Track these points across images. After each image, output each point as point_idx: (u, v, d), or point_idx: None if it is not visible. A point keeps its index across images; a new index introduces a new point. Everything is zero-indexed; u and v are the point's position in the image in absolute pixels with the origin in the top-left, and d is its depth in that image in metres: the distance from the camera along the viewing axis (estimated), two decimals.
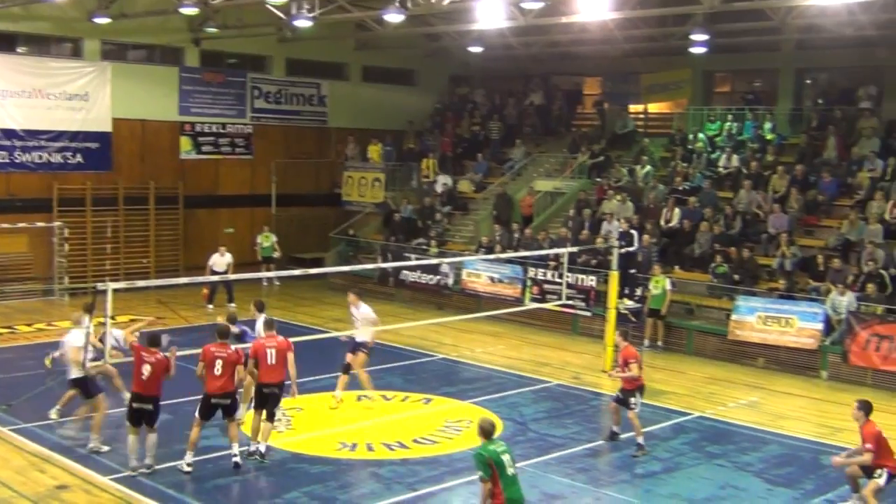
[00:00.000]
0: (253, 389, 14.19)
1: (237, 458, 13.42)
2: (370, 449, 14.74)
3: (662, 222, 25.24)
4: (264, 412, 13.86)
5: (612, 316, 19.98)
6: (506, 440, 11.65)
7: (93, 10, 26.36)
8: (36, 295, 26.85)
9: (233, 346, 13.75)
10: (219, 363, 13.23)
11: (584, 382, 19.39)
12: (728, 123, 28.47)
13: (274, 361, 13.73)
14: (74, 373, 14.24)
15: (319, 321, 24.06)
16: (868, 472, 12.23)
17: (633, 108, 32.88)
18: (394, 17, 23.19)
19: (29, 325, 23.41)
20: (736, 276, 22.44)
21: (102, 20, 26.42)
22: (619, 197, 26.27)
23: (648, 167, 28.08)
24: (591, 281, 23.73)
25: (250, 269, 27.05)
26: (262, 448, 13.93)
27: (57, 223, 27.23)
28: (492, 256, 24.78)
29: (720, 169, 27.14)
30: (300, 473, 13.66)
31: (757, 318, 21.25)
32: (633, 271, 22.74)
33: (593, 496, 13.12)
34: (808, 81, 29.94)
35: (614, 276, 20.14)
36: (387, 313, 23.15)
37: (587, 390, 18.84)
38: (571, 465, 14.25)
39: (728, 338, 21.72)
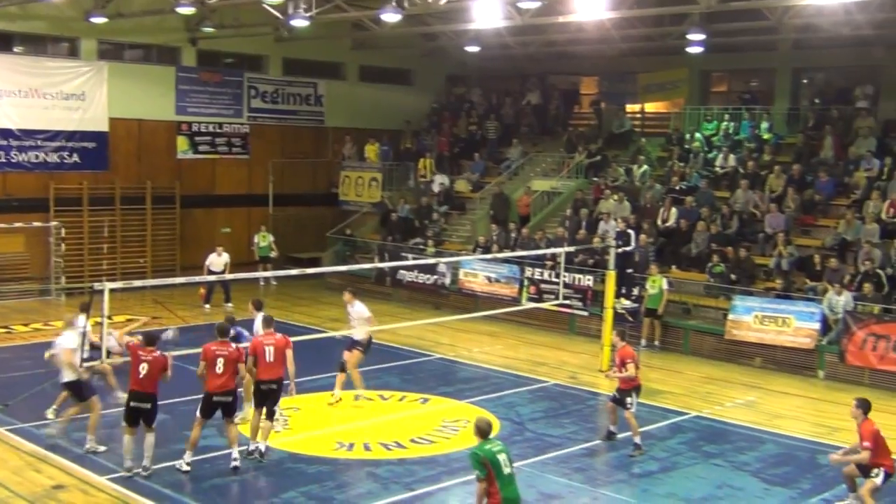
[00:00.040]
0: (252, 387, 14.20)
1: (237, 463, 13.39)
2: (367, 449, 14.73)
3: (659, 222, 25.25)
4: (264, 410, 13.86)
5: (608, 316, 19.99)
6: (503, 440, 11.65)
7: (89, 9, 26.33)
8: (32, 295, 26.82)
9: (233, 345, 13.77)
10: (220, 361, 13.22)
11: (581, 382, 19.39)
12: (725, 123, 28.51)
13: (272, 359, 13.74)
14: (67, 376, 14.13)
15: (317, 321, 24.06)
16: (865, 471, 12.24)
17: (629, 107, 32.91)
18: (390, 16, 23.18)
19: (26, 324, 23.39)
20: (733, 276, 22.46)
21: (99, 20, 26.39)
22: (615, 196, 26.29)
23: (645, 167, 28.10)
24: (588, 281, 23.73)
25: (247, 268, 27.03)
26: (263, 447, 13.93)
27: (53, 223, 27.22)
28: (489, 256, 24.78)
29: (717, 168, 27.17)
30: (297, 473, 13.65)
31: (754, 318, 21.26)
32: (630, 271, 22.74)
33: (590, 496, 13.12)
34: (805, 81, 29.97)
35: (611, 276, 20.16)
36: (384, 313, 23.15)
37: (584, 390, 18.84)
38: (568, 465, 14.25)
39: (725, 337, 21.74)
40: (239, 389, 14.05)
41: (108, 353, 14.91)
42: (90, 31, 27.53)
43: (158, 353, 13.06)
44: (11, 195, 26.85)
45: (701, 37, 25.27)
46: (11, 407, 15.69)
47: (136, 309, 24.37)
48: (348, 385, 17.23)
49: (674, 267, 24.03)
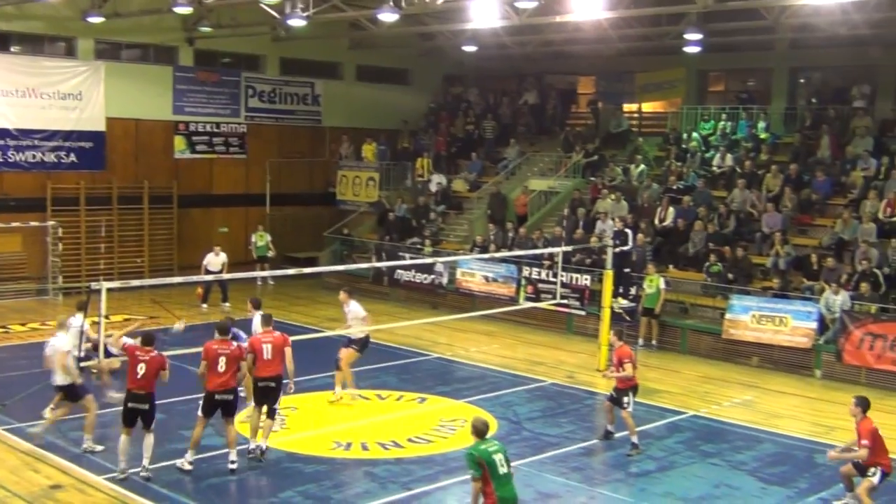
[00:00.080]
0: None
1: (234, 466, 13.37)
2: (365, 448, 14.73)
3: (657, 221, 25.26)
4: (265, 409, 13.87)
5: (606, 315, 20.01)
6: (500, 439, 11.66)
7: (86, 9, 26.31)
8: (30, 294, 26.81)
9: (234, 343, 13.78)
10: (222, 360, 13.22)
11: (578, 381, 19.40)
12: (722, 122, 28.54)
13: (270, 356, 13.74)
14: (60, 379, 14.00)
15: (314, 320, 24.06)
16: (862, 470, 12.26)
17: (627, 107, 32.90)
18: (388, 16, 23.19)
19: (23, 324, 23.37)
20: (730, 275, 22.47)
21: (96, 19, 26.37)
22: (613, 196, 26.30)
23: (643, 166, 28.11)
24: (585, 280, 23.73)
25: (245, 268, 27.02)
26: (264, 445, 13.95)
27: (51, 223, 27.20)
28: (486, 256, 24.79)
29: (714, 168, 27.19)
30: (295, 473, 13.65)
31: (751, 317, 21.28)
32: (627, 270, 22.71)
33: (588, 495, 13.13)
34: (802, 80, 29.99)
35: (609, 276, 20.17)
36: (381, 312, 23.18)
37: (582, 389, 18.85)
38: (566, 464, 14.26)
39: (722, 337, 21.75)
40: (240, 389, 14.01)
41: (107, 353, 14.87)
42: (87, 31, 27.50)
43: (156, 352, 13.03)
44: (8, 195, 26.81)
45: (698, 36, 25.29)
46: (9, 406, 15.67)
47: (134, 309, 24.37)
48: (353, 384, 17.32)
49: (671, 266, 24.05)
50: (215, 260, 26.10)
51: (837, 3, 21.10)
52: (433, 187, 31.17)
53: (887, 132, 25.98)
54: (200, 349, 13.52)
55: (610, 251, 20.40)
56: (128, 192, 28.90)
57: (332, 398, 17.04)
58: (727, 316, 21.68)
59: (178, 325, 17.26)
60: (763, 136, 27.61)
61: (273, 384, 13.82)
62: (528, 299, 24.53)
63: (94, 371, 16.32)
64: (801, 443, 15.73)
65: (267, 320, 14.50)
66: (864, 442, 12.04)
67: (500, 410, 16.89)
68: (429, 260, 26.15)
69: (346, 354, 17.02)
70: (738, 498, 13.18)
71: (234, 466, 13.36)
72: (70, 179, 27.87)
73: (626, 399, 14.88)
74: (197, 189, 30.71)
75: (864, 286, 20.30)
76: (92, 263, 28.07)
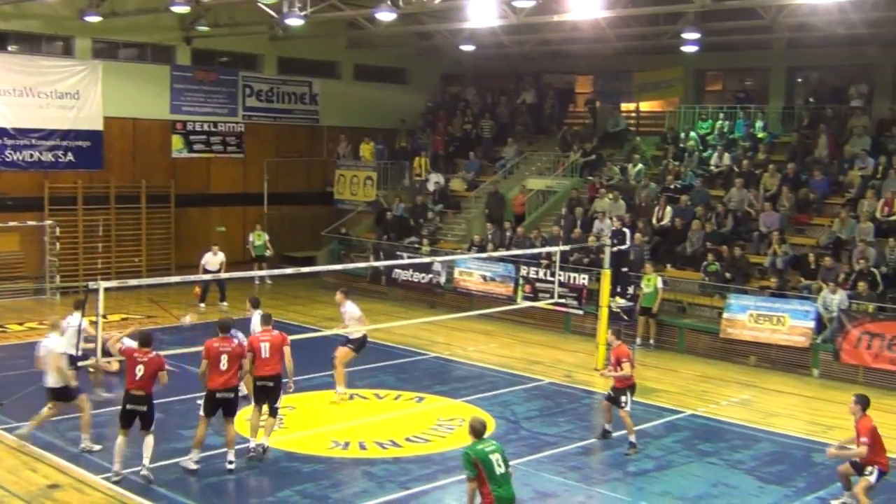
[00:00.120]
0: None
1: (232, 465, 13.36)
2: (363, 447, 14.73)
3: (654, 221, 25.27)
4: (266, 408, 13.89)
5: (604, 314, 20.02)
6: (498, 438, 11.67)
7: (84, 8, 26.30)
8: (27, 294, 26.79)
9: (235, 340, 13.78)
10: (224, 357, 13.22)
11: (576, 381, 19.41)
12: (720, 122, 28.55)
13: (268, 355, 13.75)
14: (53, 381, 13.89)
15: (312, 320, 24.06)
16: (859, 469, 12.27)
17: (624, 106, 32.91)
18: (386, 15, 23.17)
19: (20, 324, 23.35)
20: (728, 275, 22.48)
21: (93, 18, 26.37)
22: (610, 195, 26.30)
23: (640, 165, 28.12)
24: (583, 279, 23.74)
25: (242, 267, 27.02)
26: (266, 443, 13.98)
27: (48, 222, 27.18)
28: (484, 255, 24.80)
29: (712, 167, 27.21)
30: (292, 472, 13.64)
31: (749, 317, 21.29)
32: (625, 270, 22.76)
33: (585, 494, 13.14)
34: (800, 80, 30.04)
35: (606, 275, 20.18)
36: (379, 312, 23.17)
37: (579, 388, 18.85)
38: (564, 464, 14.26)
39: (720, 336, 21.76)
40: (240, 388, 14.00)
41: (105, 353, 14.85)
42: (85, 30, 27.49)
43: (154, 353, 13.00)
44: (6, 194, 26.78)
45: (696, 36, 25.30)
46: (6, 406, 15.65)
47: (132, 308, 24.36)
48: (350, 384, 17.36)
49: (669, 266, 24.06)
50: (213, 259, 26.08)
51: (835, 2, 21.10)
52: (431, 186, 31.16)
53: (885, 131, 26.00)
54: (197, 349, 13.50)
55: (608, 250, 20.42)
56: (125, 191, 28.89)
57: (333, 398, 17.03)
58: (725, 315, 21.70)
59: (188, 318, 17.28)
60: (761, 135, 27.62)
61: (271, 384, 13.81)
62: (525, 298, 24.54)
63: (92, 370, 16.29)
64: (799, 442, 15.75)
65: (266, 319, 14.53)
66: (864, 440, 12.04)
67: (497, 410, 16.90)
68: (426, 259, 26.14)
69: (341, 353, 17.06)
70: (735, 497, 13.19)
71: (231, 466, 13.35)
72: (67, 179, 27.86)
73: (623, 398, 14.89)
74: (194, 188, 30.69)
75: (862, 285, 20.32)
76: (89, 263, 28.07)
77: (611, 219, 24.63)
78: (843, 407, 13.15)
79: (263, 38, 30.69)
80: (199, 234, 29.64)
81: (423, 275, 27.39)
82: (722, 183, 26.28)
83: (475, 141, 33.49)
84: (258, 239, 29.73)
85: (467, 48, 30.56)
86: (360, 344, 17.26)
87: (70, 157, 27.92)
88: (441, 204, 30.71)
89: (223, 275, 24.63)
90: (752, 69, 31.41)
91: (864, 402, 12.36)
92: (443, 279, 27.02)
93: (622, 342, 15.37)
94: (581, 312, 23.59)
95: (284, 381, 14.06)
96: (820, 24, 24.63)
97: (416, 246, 28.39)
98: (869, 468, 12.10)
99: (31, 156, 27.22)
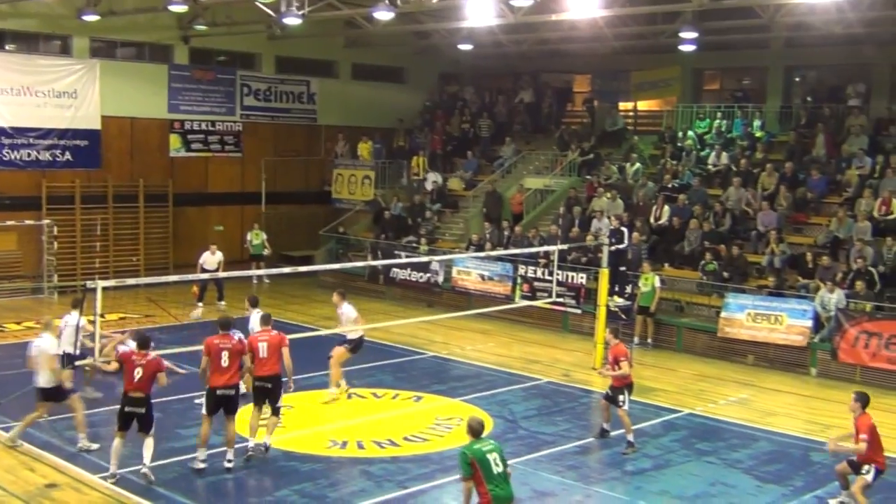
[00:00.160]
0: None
1: (230, 464, 13.36)
2: (361, 447, 14.73)
3: (652, 220, 25.28)
4: (266, 408, 13.94)
5: (602, 313, 20.01)
6: (496, 438, 11.68)
7: (81, 7, 26.30)
8: (25, 293, 26.78)
9: (235, 337, 13.79)
10: (225, 354, 13.23)
11: (574, 380, 19.41)
12: (717, 121, 28.55)
13: (265, 355, 13.74)
14: (45, 381, 13.86)
15: (309, 319, 24.06)
16: (856, 468, 12.28)
17: (622, 105, 32.92)
18: (383, 14, 23.18)
19: (18, 323, 23.32)
20: (725, 274, 22.50)
21: (91, 17, 26.36)
22: (608, 194, 26.31)
23: (638, 165, 28.13)
24: (581, 278, 23.75)
25: (240, 266, 27.01)
26: (268, 442, 14.01)
27: (46, 221, 27.15)
28: (482, 254, 24.81)
29: (709, 166, 27.21)
30: (290, 471, 13.64)
31: (746, 316, 21.30)
32: (623, 269, 22.78)
33: (583, 493, 13.14)
34: (797, 79, 30.06)
35: (604, 274, 20.18)
36: (377, 311, 23.18)
37: (577, 388, 18.86)
38: (562, 463, 14.26)
39: (718, 335, 21.77)
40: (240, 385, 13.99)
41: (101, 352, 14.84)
42: (82, 29, 27.47)
43: (152, 356, 12.96)
44: (3, 193, 26.75)
45: (693, 35, 25.31)
46: (4, 405, 15.64)
47: (130, 307, 24.34)
48: (348, 383, 17.40)
49: (667, 265, 24.08)
50: (211, 259, 26.01)
51: (832, 1, 21.16)
52: (429, 186, 31.17)
53: (882, 130, 26.01)
54: (194, 348, 13.49)
55: (606, 249, 20.43)
56: (123, 190, 28.87)
57: (336, 397, 17.05)
58: (723, 314, 21.71)
59: (197, 312, 17.29)
60: (758, 134, 27.64)
61: (269, 384, 13.81)
62: (523, 298, 24.54)
63: (87, 369, 16.26)
64: (797, 441, 15.76)
65: (266, 319, 14.52)
66: (864, 436, 12.04)
67: (495, 409, 16.90)
68: (424, 258, 26.15)
69: (337, 353, 17.08)
70: (733, 496, 13.19)
71: (230, 465, 13.35)
72: (65, 178, 27.84)
73: (621, 397, 14.88)
74: (192, 187, 30.68)
75: (860, 284, 20.34)
76: (87, 262, 28.05)
77: (609, 218, 24.64)
78: (841, 406, 13.19)
79: (261, 38, 30.67)
80: (196, 234, 29.64)
81: (421, 274, 27.39)
82: (720, 182, 26.28)
83: (473, 140, 33.49)
84: (256, 238, 29.72)
85: (465, 47, 30.56)
86: (356, 344, 17.28)
87: (68, 156, 27.91)
88: (439, 203, 30.71)
89: (221, 274, 24.61)
90: (749, 68, 31.42)
91: (863, 400, 12.37)
92: (441, 278, 27.03)
93: (620, 341, 15.36)
94: (579, 311, 23.60)
95: (284, 380, 14.06)
96: (817, 24, 24.66)
97: (414, 245, 28.40)
98: (866, 467, 12.11)
99: (29, 155, 27.20)
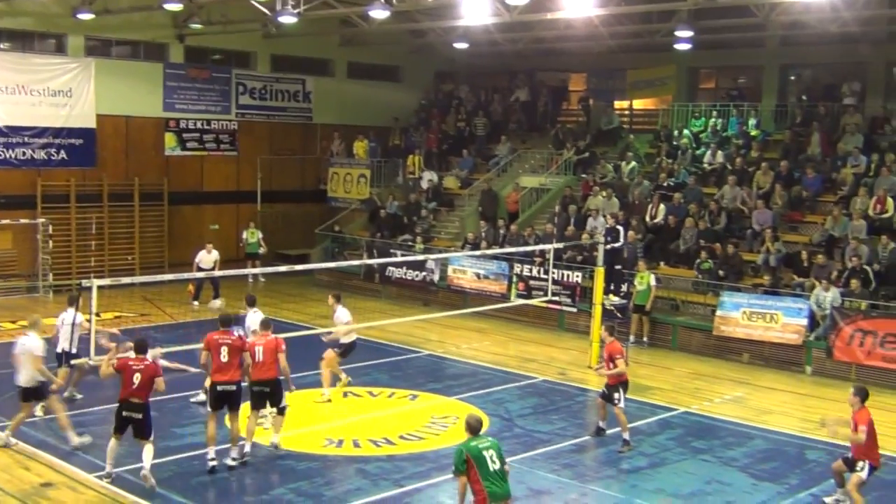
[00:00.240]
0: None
1: (234, 463, 13.37)
2: (356, 445, 14.74)
3: (647, 218, 25.30)
4: (265, 410, 14.02)
5: (597, 312, 20.02)
6: (492, 436, 11.65)
7: (76, 5, 26.25)
8: (20, 292, 26.73)
9: (235, 334, 13.78)
10: (224, 350, 13.26)
11: (569, 378, 19.42)
12: (713, 120, 28.60)
13: (262, 358, 13.71)
14: (27, 381, 13.80)
15: (305, 317, 24.04)
16: (850, 465, 12.30)
17: (618, 104, 32.92)
18: (379, 13, 23.18)
19: (13, 322, 23.25)
20: (721, 272, 22.51)
21: (86, 16, 26.29)
22: (604, 193, 26.33)
23: (633, 163, 28.14)
24: (576, 277, 23.75)
25: (235, 265, 26.99)
26: (276, 440, 14.08)
27: (41, 220, 27.12)
28: (478, 253, 24.81)
29: (705, 165, 27.24)
30: (287, 470, 13.65)
31: (742, 314, 21.33)
32: (618, 267, 22.75)
33: (579, 491, 13.15)
34: (793, 78, 30.09)
35: (600, 272, 20.19)
36: (373, 310, 23.17)
37: (573, 386, 18.87)
38: (557, 461, 14.28)
39: (713, 333, 21.80)
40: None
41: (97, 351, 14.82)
42: (77, 28, 27.43)
43: (150, 360, 12.91)
44: None
45: (689, 33, 25.36)
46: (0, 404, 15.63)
47: (125, 306, 24.28)
48: (338, 382, 17.38)
49: (662, 263, 24.09)
50: (207, 257, 26.01)
51: (827, 0, 21.16)
52: (424, 184, 31.17)
53: (877, 129, 26.06)
54: (188, 347, 13.48)
55: (601, 248, 20.44)
56: (118, 189, 28.84)
57: (318, 398, 17.05)
58: (718, 313, 21.73)
59: (218, 302, 17.28)
60: (754, 133, 27.67)
61: (267, 389, 13.79)
62: (519, 296, 24.54)
63: (79, 370, 16.21)
64: (792, 439, 15.79)
65: (266, 325, 14.50)
66: (863, 427, 12.06)
67: (491, 407, 16.89)
68: (420, 257, 26.14)
69: (327, 357, 17.14)
70: (729, 494, 13.21)
71: (234, 463, 13.38)
72: (60, 176, 27.79)
73: (616, 395, 14.89)
74: (188, 186, 30.65)
75: (855, 283, 20.37)
76: (82, 261, 28.01)
77: (604, 216, 24.64)
78: (836, 404, 13.24)
79: (256, 36, 30.64)
80: (192, 232, 29.63)
81: (416, 272, 27.38)
82: (715, 181, 26.31)
83: (469, 139, 33.49)
84: (252, 237, 29.72)
85: (461, 46, 30.57)
86: (347, 349, 17.33)
87: (63, 154, 27.86)
88: (434, 202, 30.71)
89: (217, 273, 24.58)
90: (745, 67, 31.46)
91: (862, 394, 12.40)
92: (436, 277, 27.02)
93: (615, 339, 15.37)
94: (575, 310, 23.60)
95: (282, 379, 14.06)
96: (813, 22, 24.69)
97: (410, 244, 28.39)
98: (860, 463, 12.14)
99: (24, 153, 27.15)
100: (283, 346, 13.96)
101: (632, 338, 22.31)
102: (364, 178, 31.92)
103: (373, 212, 31.15)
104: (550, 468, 13.94)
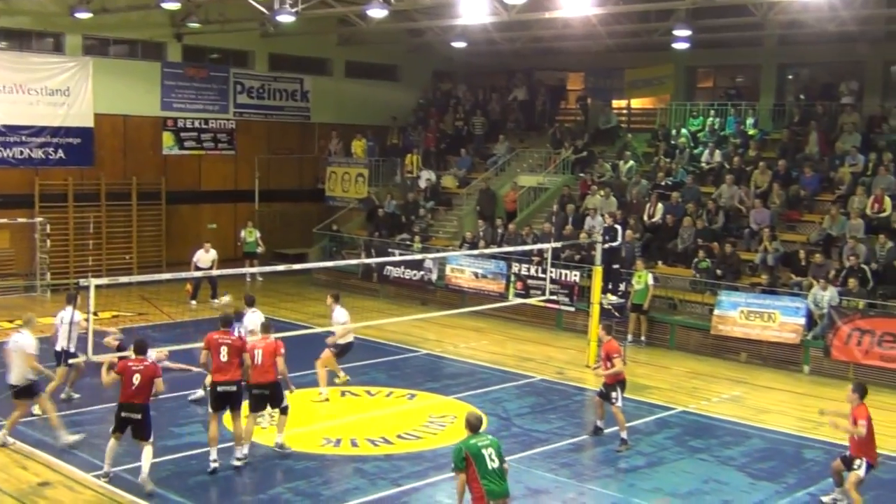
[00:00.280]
0: None
1: (239, 463, 13.38)
2: (354, 444, 14.74)
3: (645, 217, 25.30)
4: (272, 410, 14.07)
5: (595, 311, 20.03)
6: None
7: (74, 4, 26.21)
8: (17, 291, 26.70)
9: (235, 333, 13.78)
10: (224, 349, 13.26)
11: (567, 378, 19.42)
12: (710, 119, 28.60)
13: (260, 361, 13.69)
14: (18, 379, 13.80)
15: (303, 317, 24.03)
16: (848, 463, 12.31)
17: (616, 103, 32.92)
18: (377, 12, 23.15)
19: (10, 321, 23.23)
20: (718, 271, 22.52)
21: (84, 15, 26.26)
22: (602, 192, 26.34)
23: (631, 162, 28.15)
24: (574, 276, 23.74)
25: (234, 264, 26.95)
26: (280, 439, 14.11)
27: (39, 219, 27.09)
28: (476, 252, 24.82)
29: (703, 164, 27.25)
30: (284, 469, 13.64)
31: (739, 313, 21.33)
32: (616, 266, 22.74)
33: (577, 491, 13.15)
34: (790, 77, 30.08)
35: (598, 272, 20.20)
36: (371, 309, 23.15)
37: (571, 385, 18.87)
38: (555, 460, 14.28)
39: (711, 333, 21.80)
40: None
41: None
42: (75, 27, 27.41)
43: (149, 361, 12.89)
44: None
45: (687, 33, 25.36)
46: None
47: (123, 305, 24.25)
48: (353, 380, 17.53)
49: (660, 262, 24.10)
50: (205, 257, 26.02)
51: None
52: (422, 183, 31.16)
53: (875, 128, 26.08)
54: (185, 346, 13.47)
55: (599, 247, 20.43)
56: (116, 188, 28.82)
57: (316, 397, 17.06)
58: (716, 312, 21.74)
59: (225, 299, 17.28)
60: (751, 132, 27.68)
61: (266, 392, 13.78)
62: (517, 296, 24.53)
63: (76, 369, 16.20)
64: (790, 438, 15.79)
65: (266, 328, 14.52)
66: (862, 422, 12.06)
67: (489, 407, 16.88)
68: (418, 256, 26.12)
69: (323, 356, 17.17)
70: (726, 493, 13.22)
71: (239, 463, 13.38)
72: (58, 176, 27.77)
73: (614, 394, 14.90)
74: (185, 185, 30.63)
75: (852, 282, 20.38)
76: (80, 260, 28.00)
77: (602, 216, 24.64)
78: (834, 403, 13.26)
79: (254, 35, 30.63)
80: (190, 231, 29.62)
81: (414, 272, 27.38)
82: (713, 180, 26.32)
83: (467, 138, 33.49)
84: (249, 236, 29.72)
85: (459, 45, 30.54)
86: (343, 349, 17.37)
87: (60, 153, 27.84)
88: (432, 201, 30.71)
89: (214, 272, 24.58)
90: (743, 66, 31.47)
91: (861, 391, 12.41)
92: (434, 276, 27.02)
93: (612, 338, 15.37)
94: (572, 309, 23.59)
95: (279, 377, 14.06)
96: (810, 22, 24.69)
97: (408, 243, 28.38)
98: (857, 461, 12.14)
99: (22, 153, 27.12)
100: (283, 350, 13.94)
101: (630, 337, 22.31)
102: (362, 178, 31.91)
103: (371, 211, 31.15)
104: (548, 467, 13.94)
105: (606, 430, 15.32)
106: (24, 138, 27.09)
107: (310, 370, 17.48)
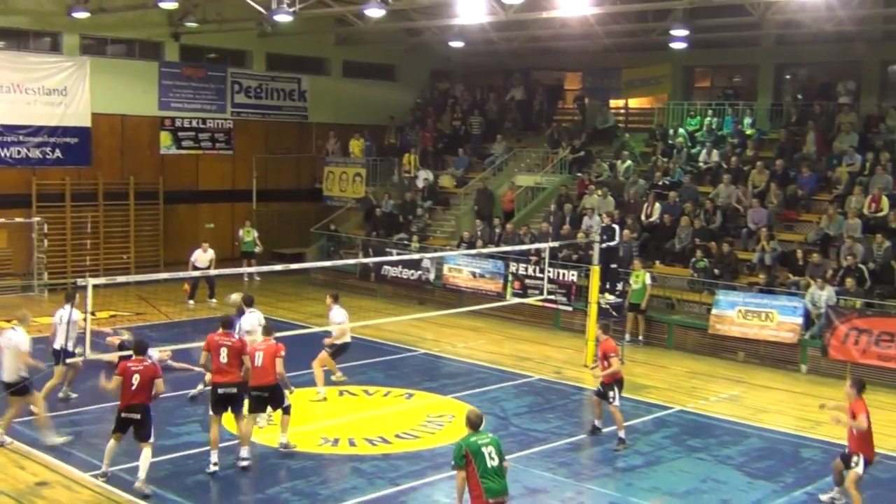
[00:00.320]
0: None
1: (245, 463, 13.36)
2: (352, 444, 14.74)
3: (643, 217, 25.30)
4: (270, 410, 14.08)
5: (593, 311, 20.04)
6: None
7: (71, 4, 26.18)
8: (15, 291, 26.66)
9: (236, 335, 13.77)
10: (224, 351, 13.26)
11: (565, 377, 19.43)
12: (708, 118, 28.58)
13: (260, 363, 13.68)
14: (9, 375, 13.77)
15: (301, 316, 24.03)
16: (846, 461, 12.31)
17: (613, 103, 32.90)
18: (374, 11, 23.16)
19: (8, 321, 23.14)
20: (716, 271, 22.53)
21: (81, 14, 26.23)
22: (599, 192, 26.34)
23: (629, 162, 28.15)
24: (572, 276, 23.75)
25: (231, 264, 26.94)
26: (284, 439, 14.11)
27: (36, 219, 27.06)
28: (473, 251, 24.83)
29: (700, 164, 27.25)
30: (282, 468, 13.64)
31: (737, 313, 21.34)
32: (613, 266, 22.73)
33: (575, 490, 13.15)
34: (788, 77, 30.09)
35: (595, 271, 20.20)
36: (368, 309, 23.15)
37: (568, 385, 18.88)
38: (553, 460, 14.28)
39: (708, 332, 21.81)
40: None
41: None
42: (72, 26, 27.37)
43: (149, 361, 12.87)
44: None
45: (684, 32, 25.37)
46: None
47: (120, 305, 24.25)
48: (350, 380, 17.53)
49: (657, 262, 24.10)
50: (203, 256, 26.00)
51: None
52: (420, 183, 31.15)
53: (872, 128, 26.09)
54: (183, 346, 13.47)
55: (596, 247, 20.43)
56: (113, 188, 28.79)
57: (313, 397, 17.06)
58: (713, 311, 21.75)
59: (234, 296, 17.27)
60: (749, 132, 27.68)
61: (266, 394, 13.76)
62: (515, 295, 24.54)
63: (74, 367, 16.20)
64: (787, 437, 15.80)
65: (267, 331, 14.52)
66: (863, 416, 12.06)
67: (487, 406, 16.84)
68: (416, 256, 26.13)
69: (320, 356, 17.20)
70: (724, 492, 13.22)
71: (244, 464, 13.36)
72: (55, 175, 27.75)
73: (611, 393, 14.90)
74: (183, 185, 30.61)
75: (850, 281, 20.39)
76: (78, 260, 27.99)
77: (600, 215, 24.67)
78: (832, 403, 13.25)
79: (252, 35, 30.62)
80: (187, 231, 29.61)
81: (412, 271, 27.37)
82: (710, 179, 26.32)
83: (464, 137, 33.48)
84: (247, 235, 29.70)
85: (456, 45, 30.54)
86: (339, 349, 17.38)
87: (58, 153, 27.81)
88: (430, 200, 30.70)
89: (212, 271, 24.59)
90: (740, 66, 31.47)
91: (859, 386, 12.44)
92: (432, 276, 27.02)
93: (609, 337, 15.38)
94: (570, 309, 23.60)
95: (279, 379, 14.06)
96: (808, 21, 24.71)
97: (406, 243, 28.38)
98: (855, 458, 12.14)
99: (19, 152, 27.09)
100: (283, 353, 13.91)
101: (627, 336, 22.33)
102: (360, 177, 31.91)
103: (368, 211, 31.15)
104: (546, 467, 13.94)
105: (604, 430, 15.32)
106: (21, 138, 27.06)
107: (307, 370, 17.49)
